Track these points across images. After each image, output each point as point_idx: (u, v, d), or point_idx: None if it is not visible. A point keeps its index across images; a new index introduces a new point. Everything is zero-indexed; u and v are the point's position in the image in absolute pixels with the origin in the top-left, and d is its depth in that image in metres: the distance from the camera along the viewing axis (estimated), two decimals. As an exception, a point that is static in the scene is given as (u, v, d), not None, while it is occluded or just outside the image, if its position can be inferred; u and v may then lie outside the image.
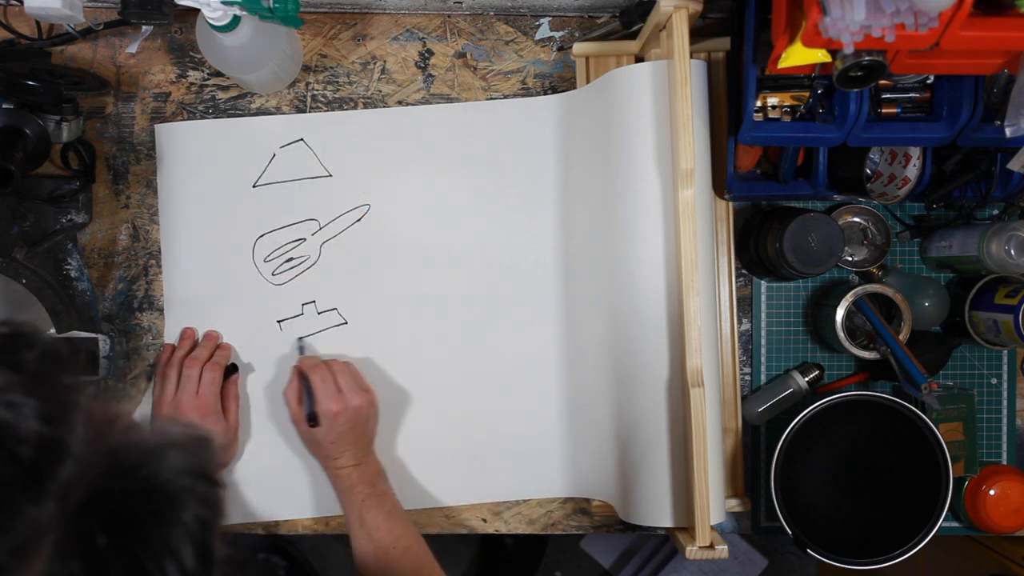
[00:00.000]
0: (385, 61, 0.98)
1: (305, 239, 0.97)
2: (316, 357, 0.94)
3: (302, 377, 0.91)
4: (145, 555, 0.35)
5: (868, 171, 0.92)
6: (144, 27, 0.91)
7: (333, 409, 0.88)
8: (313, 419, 0.88)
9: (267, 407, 0.97)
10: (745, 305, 0.99)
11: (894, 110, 0.83)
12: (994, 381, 0.99)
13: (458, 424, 0.98)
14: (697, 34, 0.91)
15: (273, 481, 0.97)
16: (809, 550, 0.89)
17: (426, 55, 0.98)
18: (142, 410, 0.97)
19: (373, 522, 0.87)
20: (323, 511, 0.98)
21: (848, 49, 0.63)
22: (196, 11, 0.79)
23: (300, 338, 0.97)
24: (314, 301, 0.97)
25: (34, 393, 0.34)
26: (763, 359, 0.99)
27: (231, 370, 0.95)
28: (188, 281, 0.97)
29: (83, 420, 0.35)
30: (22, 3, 0.80)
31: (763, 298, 0.99)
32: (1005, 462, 0.99)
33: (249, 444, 0.97)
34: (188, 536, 0.36)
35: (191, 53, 0.97)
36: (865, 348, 0.92)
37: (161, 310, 0.98)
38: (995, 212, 0.97)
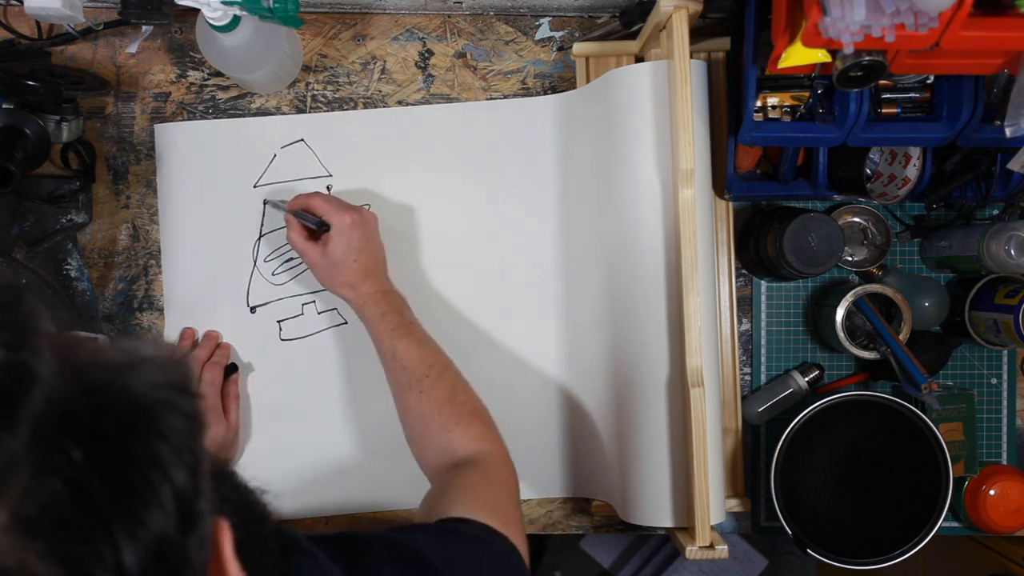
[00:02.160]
0: (385, 61, 0.98)
1: (305, 239, 0.97)
2: (301, 195, 0.91)
3: (297, 215, 0.88)
4: (125, 466, 0.33)
5: (868, 171, 0.92)
6: (144, 27, 0.91)
7: (347, 219, 0.84)
8: (326, 225, 0.85)
9: (267, 407, 0.97)
10: (745, 305, 0.99)
11: (894, 110, 0.83)
12: (994, 381, 0.99)
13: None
14: (697, 34, 0.91)
15: (273, 481, 0.97)
16: (809, 550, 0.89)
17: (426, 55, 0.98)
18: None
19: (404, 351, 0.84)
20: (323, 511, 0.98)
21: (848, 49, 0.63)
22: (196, 11, 0.79)
23: (266, 200, 0.95)
24: (314, 301, 0.97)
25: None
26: (763, 359, 0.99)
27: (231, 369, 0.95)
28: (188, 281, 0.97)
29: (48, 344, 0.34)
30: (22, 3, 0.80)
31: (763, 298, 0.99)
32: (1005, 462, 0.99)
33: (249, 444, 0.97)
34: (170, 447, 0.35)
35: (191, 53, 0.97)
36: (865, 348, 0.92)
37: (161, 310, 0.98)
38: (995, 212, 0.97)
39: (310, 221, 0.87)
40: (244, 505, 0.41)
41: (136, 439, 0.34)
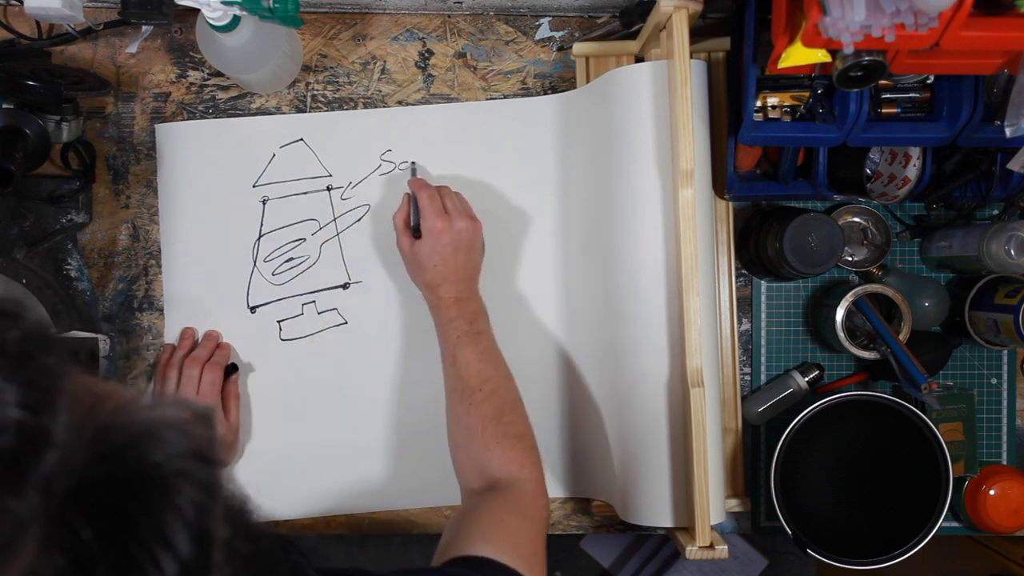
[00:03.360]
0: (385, 61, 0.98)
1: (305, 239, 0.97)
2: (425, 180, 0.92)
3: (411, 200, 0.89)
4: (135, 545, 0.32)
5: (868, 171, 0.92)
6: (144, 27, 0.91)
7: (438, 226, 0.85)
8: (417, 232, 0.87)
9: (267, 407, 0.97)
10: (745, 305, 0.99)
11: (894, 110, 0.83)
12: (994, 381, 0.99)
13: (458, 424, 0.98)
14: (697, 34, 0.91)
15: (273, 481, 0.97)
16: (809, 550, 0.89)
17: (426, 55, 0.98)
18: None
19: (464, 360, 0.84)
20: (323, 511, 0.98)
21: (848, 49, 0.63)
22: (196, 11, 0.79)
23: (413, 162, 0.96)
24: (314, 301, 0.97)
25: (15, 377, 0.32)
26: (763, 359, 0.99)
27: (231, 370, 0.95)
28: (188, 281, 0.97)
29: (68, 405, 0.33)
30: (22, 3, 0.80)
31: (763, 298, 0.99)
32: (1005, 462, 0.99)
33: (249, 444, 0.97)
34: (182, 522, 0.33)
35: (191, 53, 0.97)
36: (865, 348, 0.92)
37: (161, 310, 0.98)
38: (995, 212, 0.97)
39: (414, 213, 0.89)
40: (257, 554, 0.40)
41: (148, 513, 0.33)
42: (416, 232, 0.88)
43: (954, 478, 0.89)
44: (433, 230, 0.86)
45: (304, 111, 0.98)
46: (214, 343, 0.95)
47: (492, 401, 0.83)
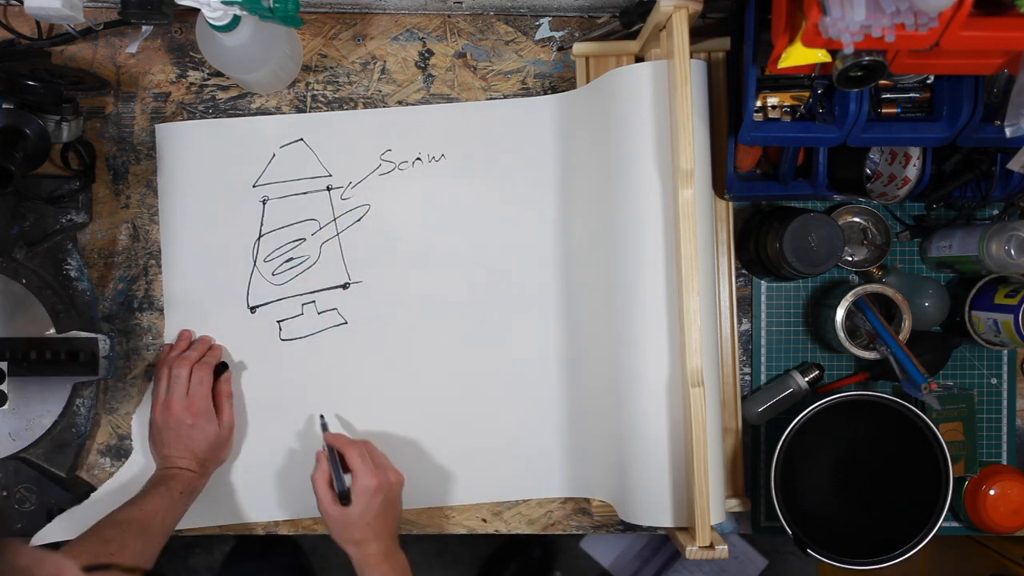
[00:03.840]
0: (385, 61, 0.98)
1: (305, 239, 0.97)
2: (344, 435, 0.91)
3: (329, 458, 0.87)
4: None
5: (868, 171, 0.92)
6: (144, 27, 0.91)
7: (372, 484, 0.84)
8: (346, 497, 0.85)
9: (266, 407, 0.97)
10: (745, 305, 0.99)
11: (894, 110, 0.83)
12: (994, 381, 0.99)
13: (458, 424, 0.98)
14: (697, 34, 0.91)
15: (273, 481, 0.97)
16: (809, 550, 0.89)
17: (426, 55, 0.98)
18: (143, 410, 0.97)
19: None
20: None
21: (848, 49, 0.63)
22: (196, 11, 0.79)
23: (322, 415, 0.95)
24: (314, 301, 0.97)
25: None
26: (763, 359, 0.99)
27: (222, 368, 0.95)
28: (188, 281, 0.97)
29: None
30: (22, 3, 0.80)
31: (763, 298, 0.99)
32: (1005, 462, 0.99)
33: (248, 445, 0.97)
34: None
35: (191, 53, 0.97)
36: (865, 348, 0.92)
37: (161, 310, 0.98)
38: (995, 212, 0.97)
39: (337, 476, 0.86)
40: None
41: None
42: (343, 496, 0.85)
43: (954, 478, 0.89)
44: (368, 489, 0.84)
45: (304, 111, 0.98)
46: (206, 346, 0.95)
47: None
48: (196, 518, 0.96)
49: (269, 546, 1.73)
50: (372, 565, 0.85)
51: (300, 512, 0.97)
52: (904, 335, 0.91)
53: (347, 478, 0.86)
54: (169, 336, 0.97)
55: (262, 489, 0.97)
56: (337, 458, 0.87)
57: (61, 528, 0.93)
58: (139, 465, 0.96)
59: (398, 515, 0.89)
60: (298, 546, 1.75)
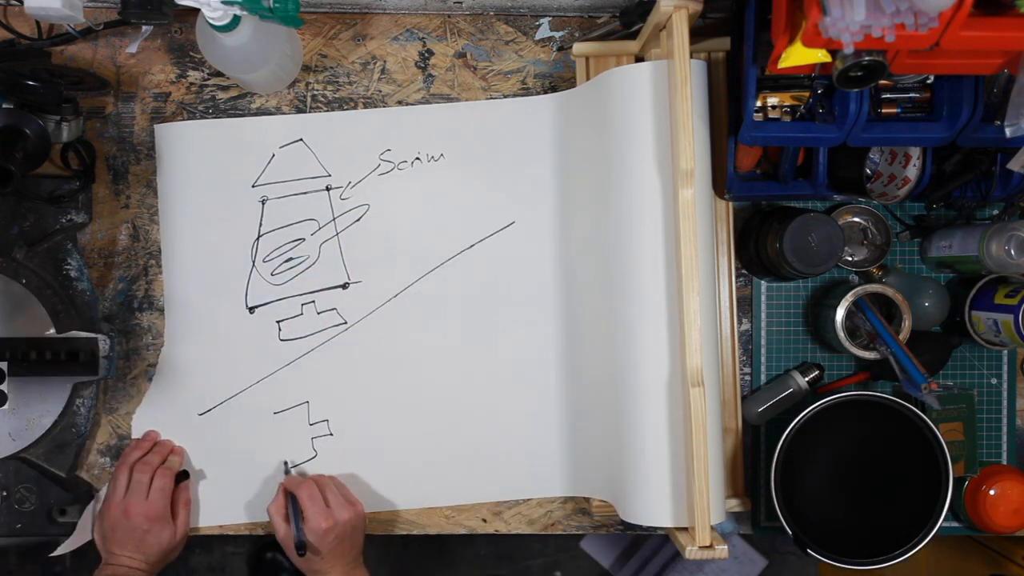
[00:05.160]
0: (385, 61, 0.98)
1: (304, 239, 0.97)
2: (298, 477, 0.95)
3: (288, 496, 0.91)
4: None
5: (868, 171, 0.92)
6: (144, 27, 0.91)
7: (323, 526, 0.88)
8: (301, 548, 0.88)
9: (265, 407, 0.97)
10: (745, 305, 0.99)
11: (894, 110, 0.83)
12: (994, 381, 0.99)
13: (458, 424, 0.98)
14: (697, 34, 0.91)
15: (273, 482, 0.97)
16: (809, 550, 0.89)
17: (426, 55, 0.98)
18: (141, 408, 0.97)
19: None
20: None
21: (848, 49, 0.63)
22: (196, 11, 0.79)
23: (286, 462, 0.97)
24: (314, 301, 0.97)
25: None
26: (763, 359, 0.99)
27: (182, 476, 0.95)
28: (188, 281, 0.97)
29: None
30: (22, 3, 0.80)
31: (763, 298, 0.99)
32: (1005, 462, 0.99)
33: (247, 445, 0.97)
34: None
35: (191, 53, 0.97)
36: (865, 348, 0.92)
37: (161, 310, 0.98)
38: (995, 212, 0.97)
39: (295, 526, 0.89)
40: None
41: None
42: (300, 547, 0.88)
43: (954, 478, 0.89)
44: (319, 531, 0.88)
45: (304, 111, 0.98)
46: (167, 450, 0.96)
47: None
48: (196, 518, 0.96)
49: (272, 547, 1.73)
50: None
51: (300, 512, 0.98)
52: (904, 335, 0.91)
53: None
54: (169, 336, 0.97)
55: (262, 489, 0.97)
56: (296, 507, 0.90)
57: None
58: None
59: (358, 542, 0.93)
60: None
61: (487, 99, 0.98)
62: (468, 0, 0.95)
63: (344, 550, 0.90)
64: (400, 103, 0.98)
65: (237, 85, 0.97)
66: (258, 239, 0.97)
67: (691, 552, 0.80)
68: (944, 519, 0.89)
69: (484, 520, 1.00)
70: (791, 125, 0.83)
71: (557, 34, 0.99)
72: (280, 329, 0.97)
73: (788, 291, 0.99)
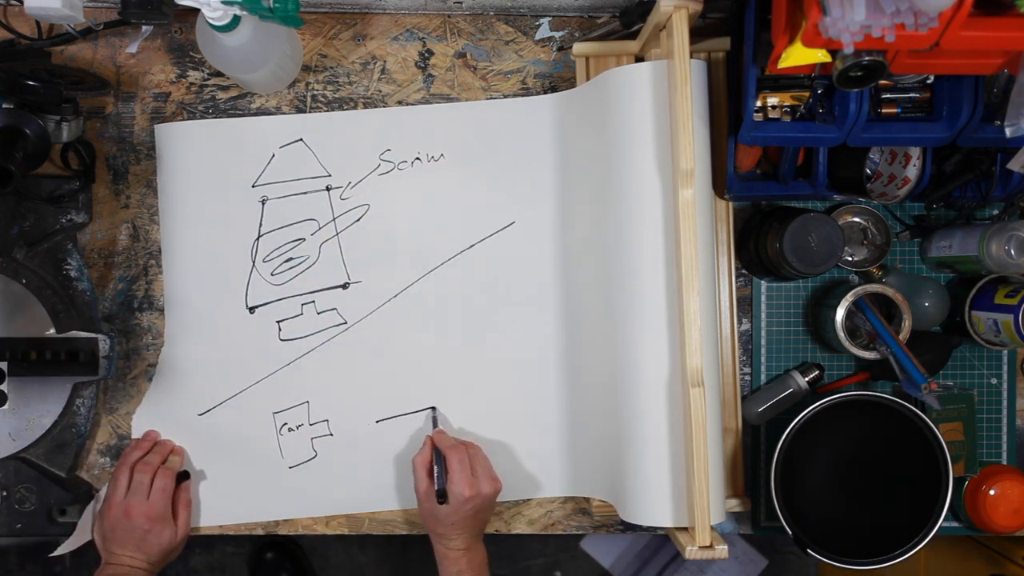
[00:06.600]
0: (385, 61, 0.98)
1: (304, 239, 0.97)
2: (450, 436, 0.94)
3: (435, 451, 0.91)
4: None
5: (868, 171, 0.92)
6: (144, 27, 0.91)
7: (466, 493, 0.88)
8: (443, 496, 0.88)
9: (265, 407, 0.97)
10: (745, 305, 0.99)
11: (894, 110, 0.83)
12: (994, 381, 0.99)
13: (458, 424, 0.98)
14: (697, 34, 0.91)
15: (273, 481, 0.97)
16: (809, 550, 0.89)
17: (426, 55, 0.98)
18: (141, 408, 0.97)
19: None
20: (323, 511, 0.98)
21: (848, 49, 0.63)
22: (196, 11, 0.79)
23: (433, 408, 0.97)
24: (314, 301, 0.97)
25: None
26: (763, 359, 0.99)
27: (183, 476, 0.95)
28: (188, 281, 0.97)
29: None
30: (22, 3, 0.80)
31: (763, 298, 0.99)
32: (1005, 462, 0.99)
33: (247, 444, 0.97)
34: None
35: (191, 53, 0.97)
36: (865, 348, 0.92)
37: (161, 310, 0.98)
38: (995, 212, 0.97)
39: (439, 474, 0.89)
40: None
41: None
42: (440, 494, 0.88)
43: (954, 478, 0.89)
44: (461, 497, 0.88)
45: (304, 111, 0.98)
46: (167, 450, 0.95)
47: None
48: (196, 518, 0.96)
49: (272, 547, 1.73)
50: (451, 559, 0.90)
51: (300, 512, 0.97)
52: (904, 335, 0.91)
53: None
54: (169, 336, 0.97)
55: (262, 489, 0.97)
56: (442, 466, 0.90)
57: None
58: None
59: (487, 519, 0.93)
60: (298, 546, 1.75)
61: (487, 99, 0.98)
62: (468, 0, 0.95)
63: (475, 523, 0.90)
64: (400, 103, 0.98)
65: (237, 85, 0.97)
66: (258, 239, 0.97)
67: (691, 552, 0.80)
68: (944, 519, 0.89)
69: (484, 520, 0.99)
70: (791, 125, 0.83)
71: (557, 34, 0.99)
72: (280, 329, 0.97)
73: (788, 291, 0.99)
